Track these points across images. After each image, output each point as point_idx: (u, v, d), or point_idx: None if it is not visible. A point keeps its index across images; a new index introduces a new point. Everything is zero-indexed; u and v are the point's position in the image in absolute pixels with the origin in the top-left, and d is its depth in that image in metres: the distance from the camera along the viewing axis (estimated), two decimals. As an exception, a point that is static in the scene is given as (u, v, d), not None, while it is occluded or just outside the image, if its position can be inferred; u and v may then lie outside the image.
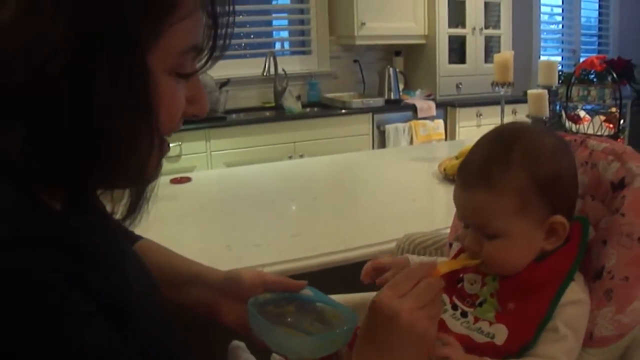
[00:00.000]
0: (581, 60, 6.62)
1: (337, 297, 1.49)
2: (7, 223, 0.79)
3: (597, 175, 1.42)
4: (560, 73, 6.71)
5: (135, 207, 1.02)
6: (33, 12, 0.81)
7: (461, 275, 1.42)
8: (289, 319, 1.42)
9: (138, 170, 0.97)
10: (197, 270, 1.48)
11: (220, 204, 3.10)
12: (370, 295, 1.19)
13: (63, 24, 0.80)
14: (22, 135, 0.83)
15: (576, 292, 1.30)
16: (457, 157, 3.25)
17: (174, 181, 3.33)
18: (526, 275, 1.33)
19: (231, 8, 0.99)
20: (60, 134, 0.84)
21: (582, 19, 9.27)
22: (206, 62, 1.00)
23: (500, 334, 1.29)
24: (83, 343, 0.80)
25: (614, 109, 4.09)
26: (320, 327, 1.41)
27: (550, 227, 1.32)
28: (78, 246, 0.85)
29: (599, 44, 9.59)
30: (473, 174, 1.34)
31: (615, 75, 3.93)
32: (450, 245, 1.68)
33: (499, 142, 1.37)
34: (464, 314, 1.37)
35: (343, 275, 1.99)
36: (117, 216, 1.03)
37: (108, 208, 1.03)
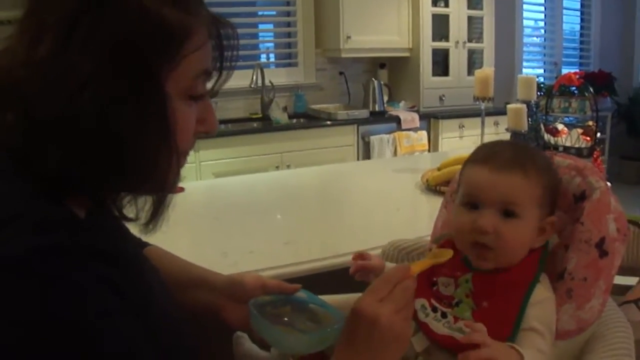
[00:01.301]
0: (563, 72, 6.76)
1: (326, 298, 1.62)
2: (65, 231, 0.92)
3: (562, 189, 1.58)
4: (542, 85, 6.85)
5: (157, 214, 1.14)
6: (67, 48, 0.94)
7: (434, 279, 1.55)
8: (285, 319, 1.55)
9: (159, 182, 1.10)
10: (202, 274, 1.59)
11: (214, 212, 3.19)
12: (354, 296, 1.30)
13: (92, 59, 0.94)
14: (58, 155, 0.96)
15: (543, 291, 1.46)
16: (439, 169, 3.34)
17: (170, 191, 3.41)
18: (498, 275, 1.48)
19: (234, 33, 1.14)
20: (91, 154, 0.97)
21: (565, 32, 9.43)
22: (215, 83, 1.15)
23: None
24: (119, 337, 0.92)
25: (591, 123, 4.22)
26: (313, 326, 1.54)
27: (543, 225, 1.50)
28: (109, 251, 0.97)
29: (581, 57, 9.74)
30: (509, 160, 1.49)
31: (592, 90, 4.05)
32: (430, 249, 1.80)
33: (522, 146, 1.60)
34: (444, 315, 1.48)
35: (331, 278, 2.12)
36: (141, 221, 1.15)
37: (132, 215, 1.16)
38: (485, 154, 1.55)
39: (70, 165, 0.97)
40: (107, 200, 1.14)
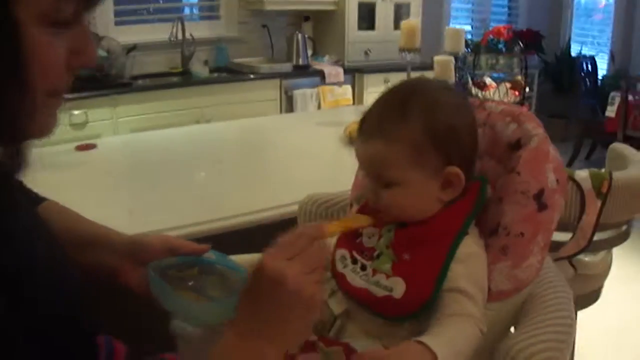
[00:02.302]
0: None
1: (237, 258, 1.48)
2: None
3: (495, 136, 1.45)
4: (469, 42, 6.80)
5: (17, 164, 0.95)
6: None
7: (360, 230, 1.43)
8: (190, 283, 1.39)
9: (10, 126, 0.88)
10: (102, 232, 1.44)
11: (125, 169, 3.07)
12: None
13: None
14: None
15: (470, 245, 1.33)
16: None
17: (79, 148, 3.25)
18: (419, 226, 1.36)
19: None
20: None
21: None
22: (84, 7, 0.92)
23: (398, 287, 1.31)
24: None
25: (519, 77, 4.16)
26: (223, 292, 1.39)
27: (446, 177, 1.35)
28: None
29: (509, 15, 9.72)
30: (369, 125, 1.38)
31: (522, 44, 3.99)
32: (351, 205, 1.69)
33: (396, 95, 1.41)
34: (363, 267, 1.38)
35: (247, 237, 2.00)
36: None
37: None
38: (361, 119, 1.44)
39: None
40: None
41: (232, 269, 1.43)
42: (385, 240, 1.38)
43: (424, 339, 1.20)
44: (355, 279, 1.38)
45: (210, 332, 1.42)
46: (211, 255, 1.44)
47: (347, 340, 1.36)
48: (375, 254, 1.39)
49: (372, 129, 1.37)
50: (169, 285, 1.28)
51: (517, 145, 1.41)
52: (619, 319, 3.94)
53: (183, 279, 1.39)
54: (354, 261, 1.41)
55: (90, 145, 3.30)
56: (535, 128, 1.39)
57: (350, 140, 3.17)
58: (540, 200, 1.34)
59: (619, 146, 2.94)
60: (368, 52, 6.88)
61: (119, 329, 1.34)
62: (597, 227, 2.26)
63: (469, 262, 1.32)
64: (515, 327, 1.41)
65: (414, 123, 1.33)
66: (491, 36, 4.32)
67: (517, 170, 1.37)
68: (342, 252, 1.45)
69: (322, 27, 7.12)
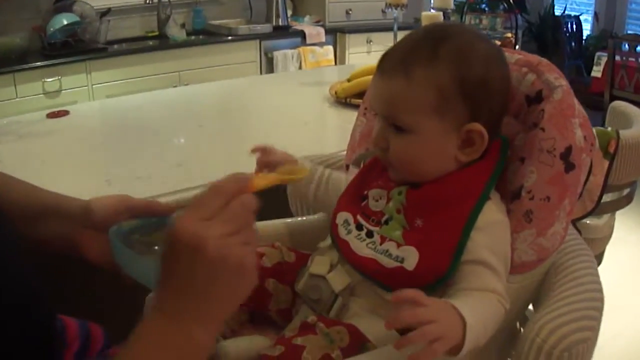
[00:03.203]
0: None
1: None
2: None
3: (510, 89, 1.30)
4: (454, 2, 6.70)
5: None
6: None
7: (366, 192, 1.32)
8: (156, 247, 1.23)
9: None
10: (53, 201, 1.31)
11: (100, 137, 2.94)
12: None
13: None
14: None
15: (493, 211, 1.21)
16: (348, 80, 3.20)
17: (51, 115, 3.10)
18: (435, 187, 1.23)
19: None
20: None
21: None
22: None
23: (410, 257, 1.18)
24: None
25: (509, 34, 4.04)
26: None
27: (467, 135, 1.22)
28: None
29: (494, -27, 9.62)
30: (394, 61, 1.24)
31: (511, 1, 3.90)
32: (347, 167, 1.55)
33: (428, 35, 1.27)
34: (369, 234, 1.26)
35: None
36: None
37: None
38: (384, 53, 1.29)
39: None
40: None
41: None
42: (396, 203, 1.25)
43: (453, 302, 1.08)
44: (361, 248, 1.25)
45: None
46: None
47: (350, 320, 1.23)
48: (384, 219, 1.26)
49: (395, 66, 1.22)
50: (134, 251, 1.15)
51: (537, 98, 1.26)
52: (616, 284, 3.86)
53: (148, 244, 1.24)
54: (359, 227, 1.28)
55: (62, 112, 3.14)
56: (557, 79, 1.24)
57: (337, 100, 3.10)
58: (567, 159, 1.19)
59: (620, 104, 2.81)
60: (349, 11, 6.74)
61: (87, 309, 1.22)
62: (605, 188, 2.14)
63: (492, 230, 1.18)
64: (536, 303, 1.29)
65: (444, 67, 1.18)
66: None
67: (540, 126, 1.22)
68: (345, 215, 1.32)
69: (301, -14, 6.98)
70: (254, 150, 1.40)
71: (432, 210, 1.21)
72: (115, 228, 1.19)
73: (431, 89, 1.18)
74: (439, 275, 1.15)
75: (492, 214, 1.20)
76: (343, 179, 1.49)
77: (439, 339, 0.99)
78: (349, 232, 1.29)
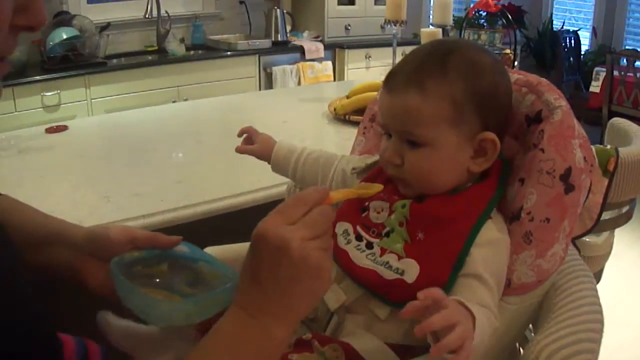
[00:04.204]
0: (472, 5, 6.63)
1: (212, 250, 1.37)
2: None
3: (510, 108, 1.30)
4: (453, 18, 6.72)
5: None
6: None
7: (367, 203, 1.32)
8: (157, 280, 1.26)
9: None
10: (57, 228, 1.32)
11: (99, 152, 2.92)
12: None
13: None
14: None
15: (494, 230, 1.21)
16: (347, 97, 3.20)
17: (50, 130, 3.10)
18: (439, 203, 1.23)
19: None
20: None
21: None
22: None
23: (411, 270, 1.19)
24: None
25: (508, 51, 4.04)
26: (197, 288, 1.27)
27: (480, 145, 1.23)
28: None
29: (492, -11, 9.62)
30: (405, 76, 1.24)
31: (508, 18, 3.89)
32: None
33: (435, 50, 1.28)
34: (369, 245, 1.27)
35: (229, 222, 1.96)
36: None
37: None
38: (391, 71, 1.30)
39: None
40: None
41: (207, 262, 1.30)
42: (398, 216, 1.25)
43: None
44: (361, 258, 1.25)
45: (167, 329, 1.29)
46: (184, 248, 1.31)
47: (345, 338, 1.23)
48: (385, 231, 1.26)
49: (407, 81, 1.22)
50: (134, 283, 1.15)
51: (537, 119, 1.26)
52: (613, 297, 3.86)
53: (150, 276, 1.27)
54: (359, 237, 1.29)
55: (61, 127, 3.14)
56: (557, 99, 1.25)
57: (336, 117, 3.11)
58: (567, 180, 1.19)
59: (619, 121, 2.82)
60: (348, 27, 6.76)
61: (85, 330, 1.22)
62: (604, 206, 2.14)
63: (490, 248, 1.19)
64: (536, 324, 1.28)
65: (455, 80, 1.20)
66: (478, 8, 4.20)
67: (540, 147, 1.22)
68: (345, 225, 1.32)
69: (300, 2, 7.01)
70: (240, 134, 1.60)
71: (434, 225, 1.21)
72: (117, 259, 1.19)
73: (445, 101, 1.19)
74: (439, 287, 1.14)
75: (492, 233, 1.21)
76: (322, 156, 1.59)
77: (469, 338, 1.01)
78: (349, 242, 1.29)
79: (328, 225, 0.97)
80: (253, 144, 1.63)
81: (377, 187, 1.16)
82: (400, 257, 1.21)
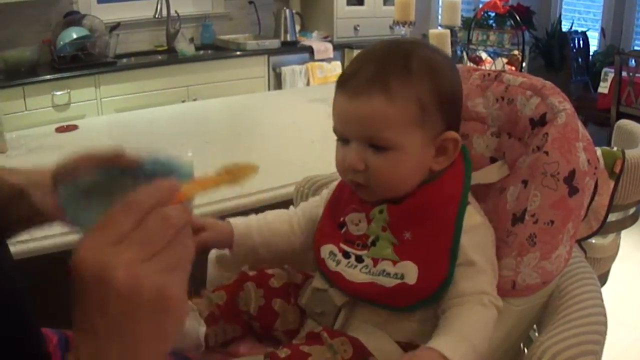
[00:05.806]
0: (480, 5, 6.62)
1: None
2: None
3: (514, 111, 1.32)
4: (461, 18, 6.72)
5: None
6: None
7: (342, 219, 1.32)
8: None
9: None
10: (22, 180, 1.21)
11: None
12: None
13: None
14: None
15: (474, 215, 1.24)
16: None
17: (60, 130, 3.13)
18: (416, 199, 1.24)
19: None
20: None
21: (484, -36, 9.26)
22: None
23: (410, 271, 1.19)
24: None
25: (516, 52, 4.05)
26: None
27: (442, 144, 1.24)
28: None
29: (501, -9, 9.60)
30: (365, 79, 1.20)
31: (518, 18, 3.89)
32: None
33: (394, 52, 1.25)
34: (359, 259, 1.26)
35: None
36: None
37: None
38: (346, 74, 1.26)
39: None
40: None
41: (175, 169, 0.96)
42: (378, 222, 1.25)
43: (435, 343, 1.10)
44: (356, 275, 1.25)
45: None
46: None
47: (353, 333, 1.24)
48: (370, 240, 1.26)
49: (368, 84, 1.19)
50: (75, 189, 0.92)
51: (541, 121, 1.27)
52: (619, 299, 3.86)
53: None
54: (346, 255, 1.28)
55: (71, 127, 3.17)
56: (561, 102, 1.25)
57: None
58: (571, 183, 1.21)
59: (626, 122, 2.81)
60: (357, 27, 6.76)
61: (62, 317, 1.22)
62: (610, 208, 2.14)
63: (476, 233, 1.21)
64: (540, 325, 1.30)
65: (421, 81, 1.19)
66: (487, 9, 4.20)
67: (544, 150, 1.23)
68: (328, 247, 1.32)
69: (310, 2, 6.99)
70: None
71: (417, 222, 1.22)
72: (70, 182, 0.95)
73: (413, 103, 1.18)
74: (441, 281, 1.17)
75: (475, 217, 1.23)
76: (277, 214, 1.53)
77: None
78: (338, 262, 1.29)
79: (171, 234, 0.72)
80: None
81: (249, 169, 0.92)
82: (395, 262, 1.21)
